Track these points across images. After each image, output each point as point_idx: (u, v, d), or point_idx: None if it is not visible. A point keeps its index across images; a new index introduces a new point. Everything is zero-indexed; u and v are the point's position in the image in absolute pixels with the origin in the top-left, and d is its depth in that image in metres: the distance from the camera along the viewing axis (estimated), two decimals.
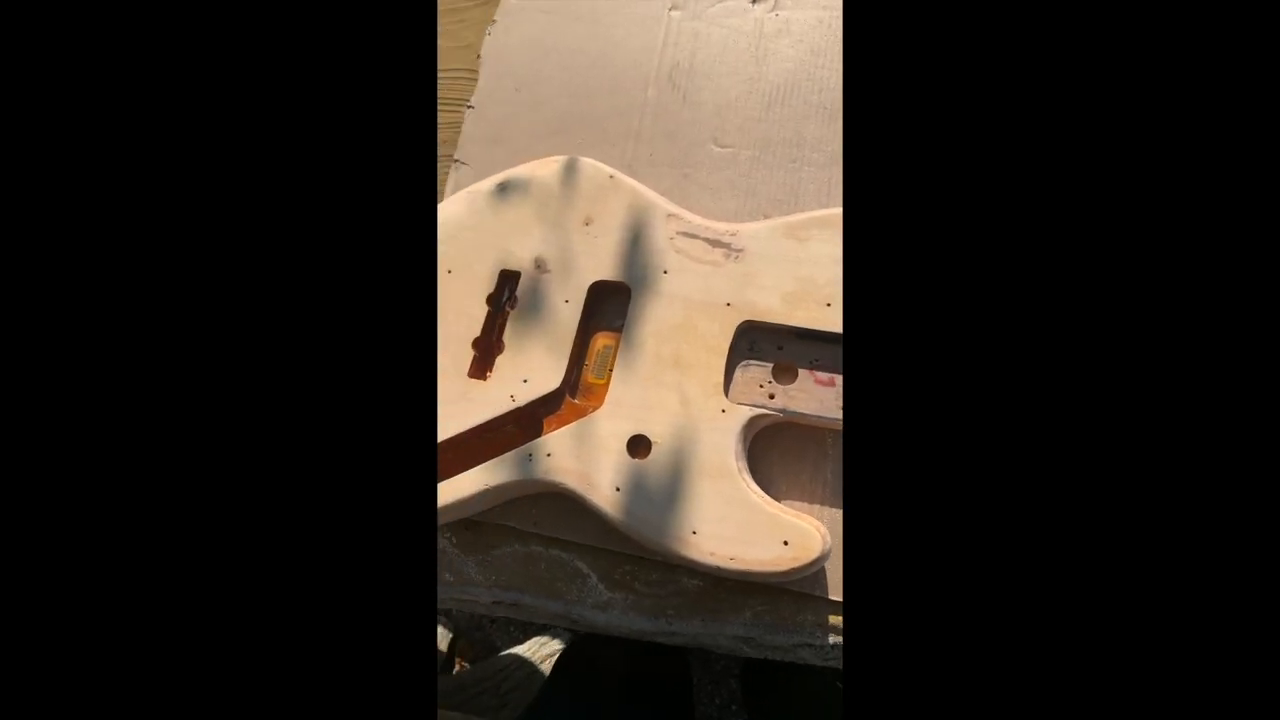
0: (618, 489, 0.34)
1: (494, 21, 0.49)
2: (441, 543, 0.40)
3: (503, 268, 0.39)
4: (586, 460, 0.35)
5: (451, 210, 0.41)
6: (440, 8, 0.51)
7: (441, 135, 0.49)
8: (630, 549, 0.37)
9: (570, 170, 0.40)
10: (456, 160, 0.46)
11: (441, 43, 0.51)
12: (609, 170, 0.40)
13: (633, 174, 0.40)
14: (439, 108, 0.50)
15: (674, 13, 0.46)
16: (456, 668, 0.90)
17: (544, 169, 0.40)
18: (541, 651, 0.84)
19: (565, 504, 0.38)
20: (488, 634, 0.94)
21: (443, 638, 0.90)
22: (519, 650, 0.85)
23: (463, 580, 0.39)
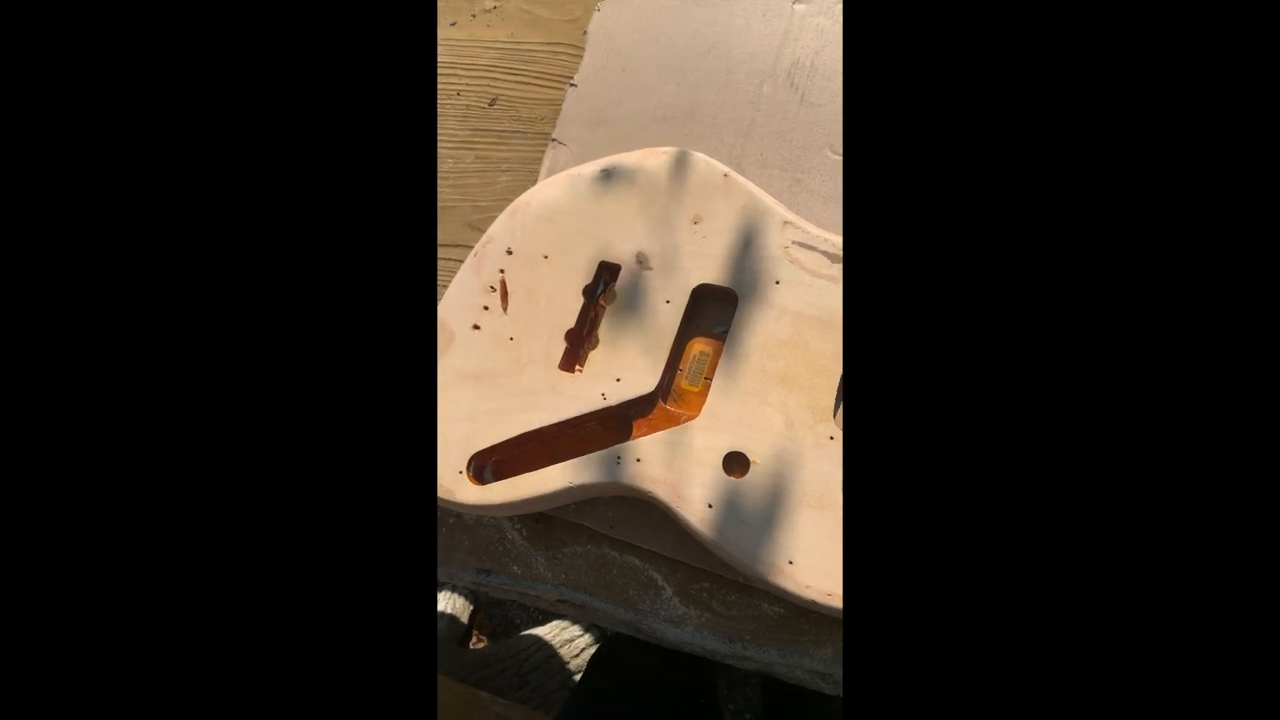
0: (710, 506, 0.33)
1: None
2: (511, 534, 0.39)
3: (602, 259, 0.37)
4: (678, 471, 0.33)
5: (550, 192, 0.40)
6: None
7: (539, 111, 0.47)
8: (709, 565, 0.35)
9: (681, 164, 0.38)
10: (554, 140, 0.45)
11: (546, 14, 0.49)
12: (723, 168, 0.38)
13: (740, 173, 0.39)
14: (538, 82, 0.48)
15: (798, 6, 0.44)
16: (474, 640, 0.91)
17: (653, 159, 0.39)
18: (562, 636, 0.84)
19: (644, 510, 0.37)
20: (507, 611, 0.94)
21: (463, 609, 0.90)
22: (539, 632, 0.84)
23: (530, 574, 0.38)
